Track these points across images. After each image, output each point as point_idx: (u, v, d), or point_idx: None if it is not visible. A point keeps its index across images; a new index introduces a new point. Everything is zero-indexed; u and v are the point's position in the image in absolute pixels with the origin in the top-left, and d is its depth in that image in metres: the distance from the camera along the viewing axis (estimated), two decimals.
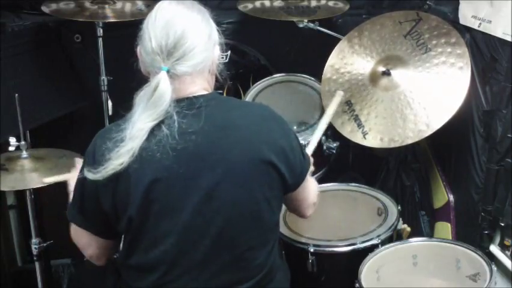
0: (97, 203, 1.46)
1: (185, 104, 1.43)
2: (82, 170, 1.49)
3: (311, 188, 1.70)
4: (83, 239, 1.57)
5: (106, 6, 2.56)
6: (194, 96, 1.45)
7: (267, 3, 2.76)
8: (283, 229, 2.14)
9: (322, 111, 2.43)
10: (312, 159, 1.76)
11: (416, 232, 2.49)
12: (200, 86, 1.48)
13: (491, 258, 2.17)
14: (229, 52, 1.56)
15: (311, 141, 2.16)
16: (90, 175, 1.40)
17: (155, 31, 1.42)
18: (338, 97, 2.31)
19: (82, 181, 1.47)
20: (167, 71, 1.41)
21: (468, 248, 1.92)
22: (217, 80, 1.56)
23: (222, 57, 1.55)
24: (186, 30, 1.42)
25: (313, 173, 1.82)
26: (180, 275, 1.47)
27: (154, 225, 1.43)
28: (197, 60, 1.44)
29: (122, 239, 1.55)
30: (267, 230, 1.54)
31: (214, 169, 1.41)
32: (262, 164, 1.44)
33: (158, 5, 1.48)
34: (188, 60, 1.42)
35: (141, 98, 1.41)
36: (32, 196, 2.21)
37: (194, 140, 1.41)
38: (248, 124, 1.47)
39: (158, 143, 1.40)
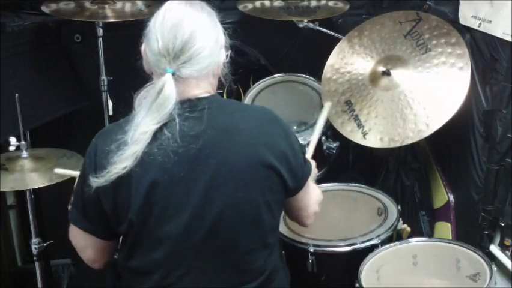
0: (98, 205, 1.45)
1: (187, 106, 1.42)
2: (82, 171, 1.48)
3: (313, 196, 1.68)
4: (81, 241, 1.55)
5: (106, 6, 2.57)
6: (197, 98, 1.44)
7: (267, 3, 2.76)
8: (283, 229, 2.14)
9: None
10: (314, 163, 1.75)
11: (416, 232, 2.49)
12: (204, 89, 1.46)
13: (491, 258, 2.16)
14: (229, 52, 1.54)
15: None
16: (94, 182, 1.39)
17: (162, 32, 1.40)
18: (327, 108, 2.30)
19: (82, 183, 1.46)
20: (173, 74, 1.39)
21: (468, 248, 1.92)
22: (220, 82, 1.54)
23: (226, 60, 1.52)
24: (194, 33, 1.40)
25: None
26: (180, 278, 1.47)
27: (155, 228, 1.43)
28: (203, 65, 1.42)
29: (122, 241, 1.55)
30: (267, 233, 1.53)
31: (215, 172, 1.40)
32: (263, 167, 1.43)
33: (167, 5, 1.45)
34: (194, 64, 1.41)
35: (145, 99, 1.40)
36: (32, 196, 2.21)
37: (196, 144, 1.39)
38: (250, 127, 1.46)
39: (160, 146, 1.39)
